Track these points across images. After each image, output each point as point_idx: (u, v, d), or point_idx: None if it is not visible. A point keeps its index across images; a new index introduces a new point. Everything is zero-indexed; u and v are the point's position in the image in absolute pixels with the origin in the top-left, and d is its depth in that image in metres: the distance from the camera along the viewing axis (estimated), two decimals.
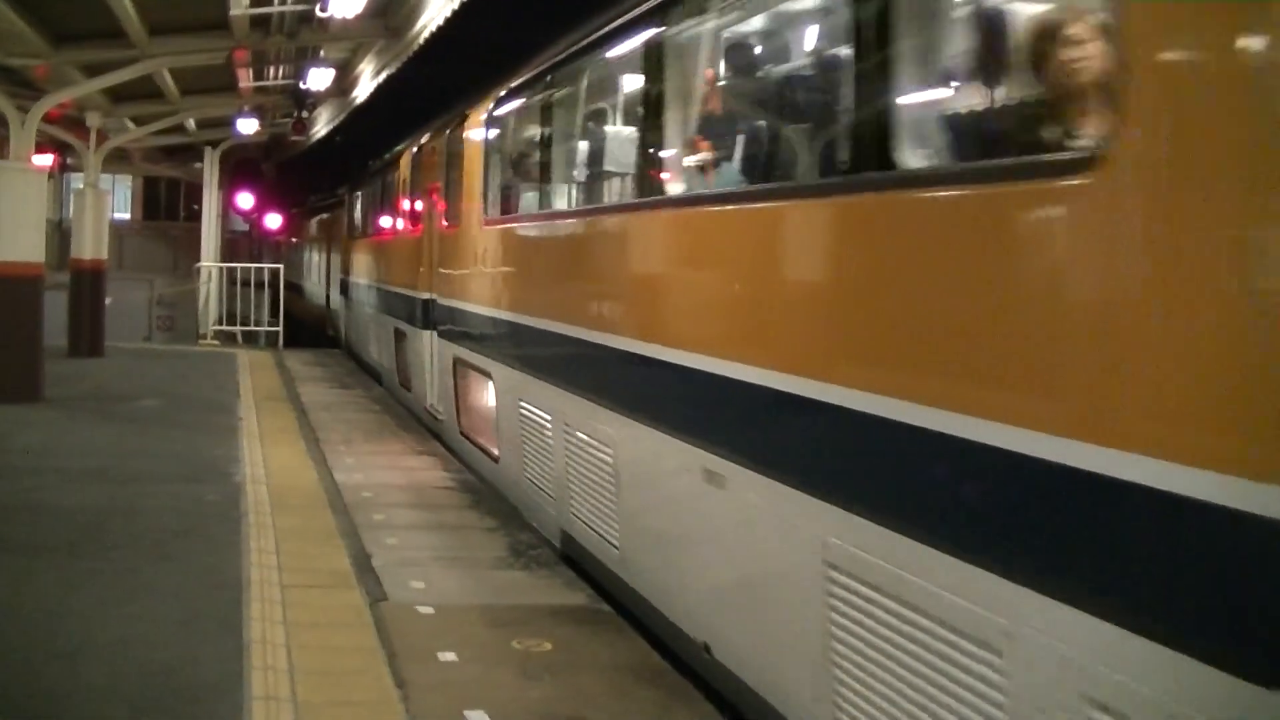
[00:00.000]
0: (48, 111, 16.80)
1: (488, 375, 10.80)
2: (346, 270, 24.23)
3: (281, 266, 29.52)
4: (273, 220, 43.78)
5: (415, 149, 15.96)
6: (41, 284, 15.06)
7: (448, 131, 13.27)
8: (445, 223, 13.00)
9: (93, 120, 21.00)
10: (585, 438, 7.78)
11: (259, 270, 28.87)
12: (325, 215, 31.58)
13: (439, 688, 5.85)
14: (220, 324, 27.01)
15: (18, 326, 14.49)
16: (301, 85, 20.35)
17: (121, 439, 12.40)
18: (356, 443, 13.16)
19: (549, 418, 8.68)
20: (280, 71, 21.96)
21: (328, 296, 29.06)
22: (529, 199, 10.38)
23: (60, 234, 29.71)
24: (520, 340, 9.55)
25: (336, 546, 8.44)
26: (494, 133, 11.34)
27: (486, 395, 11.07)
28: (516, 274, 10.10)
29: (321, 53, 19.27)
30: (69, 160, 30.30)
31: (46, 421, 13.42)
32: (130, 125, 23.72)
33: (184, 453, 11.67)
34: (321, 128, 29.32)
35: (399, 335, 16.66)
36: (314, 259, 33.67)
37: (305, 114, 23.58)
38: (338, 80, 21.53)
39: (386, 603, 7.18)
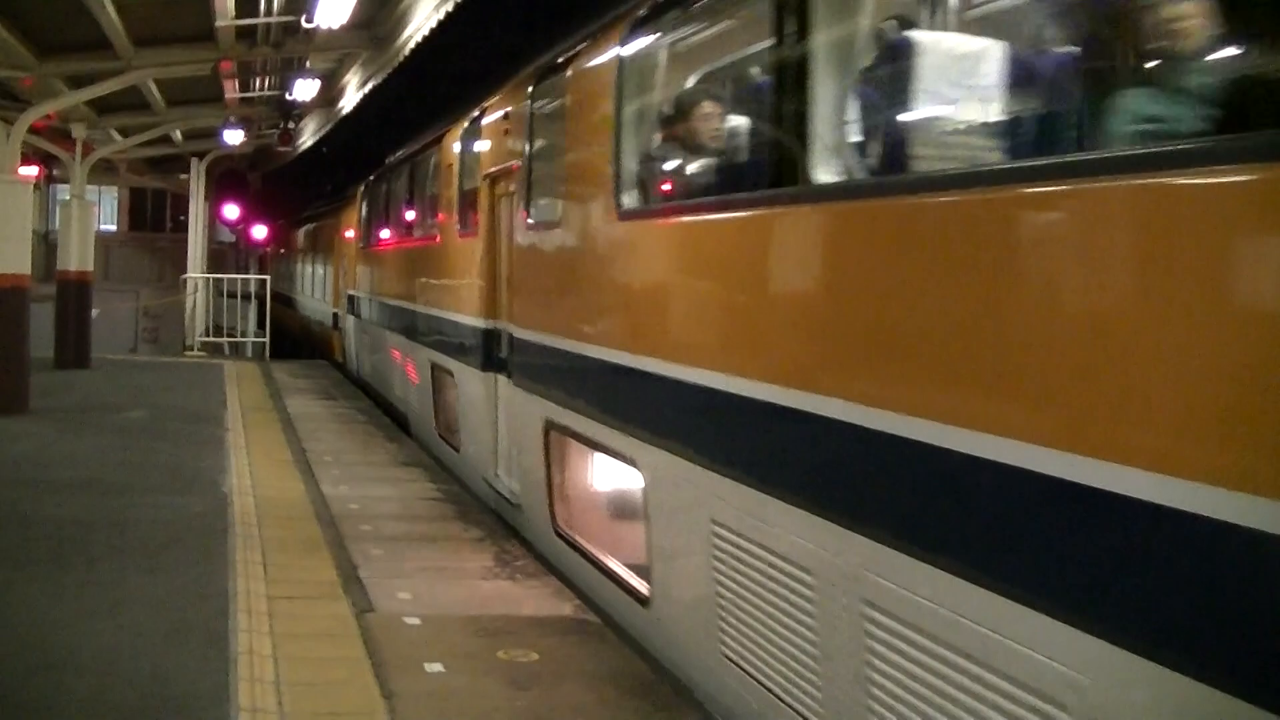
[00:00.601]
0: (33, 123, 16.80)
1: (627, 461, 6.88)
2: (356, 285, 20.69)
3: (268, 278, 29.46)
4: (259, 231, 43.78)
5: (469, 123, 11.77)
6: (28, 295, 15.04)
7: (531, 89, 9.24)
8: (530, 220, 9.06)
9: (78, 132, 20.97)
10: (942, 650, 3.91)
11: (245, 282, 28.88)
12: (326, 221, 27.61)
13: (426, 698, 5.86)
14: (207, 335, 26.97)
15: (4, 338, 14.49)
16: (288, 96, 20.36)
17: (108, 450, 12.38)
18: (343, 454, 13.15)
19: (809, 577, 4.78)
20: (266, 82, 21.97)
21: (335, 316, 24.40)
22: (736, 171, 6.21)
23: (46, 245, 29.73)
24: (718, 419, 5.62)
25: (323, 558, 8.45)
26: (634, 77, 7.23)
27: (620, 491, 7.75)
28: (708, 303, 5.94)
29: (307, 63, 19.29)
30: (55, 172, 30.34)
31: (33, 433, 13.39)
32: (116, 136, 23.71)
33: (171, 464, 11.66)
34: (308, 138, 29.32)
35: (439, 373, 12.82)
36: (313, 271, 29.56)
37: (292, 125, 23.59)
38: (324, 91, 21.54)
39: (373, 614, 7.19)
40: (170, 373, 21.28)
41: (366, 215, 19.99)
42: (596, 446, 7.59)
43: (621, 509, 7.75)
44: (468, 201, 11.68)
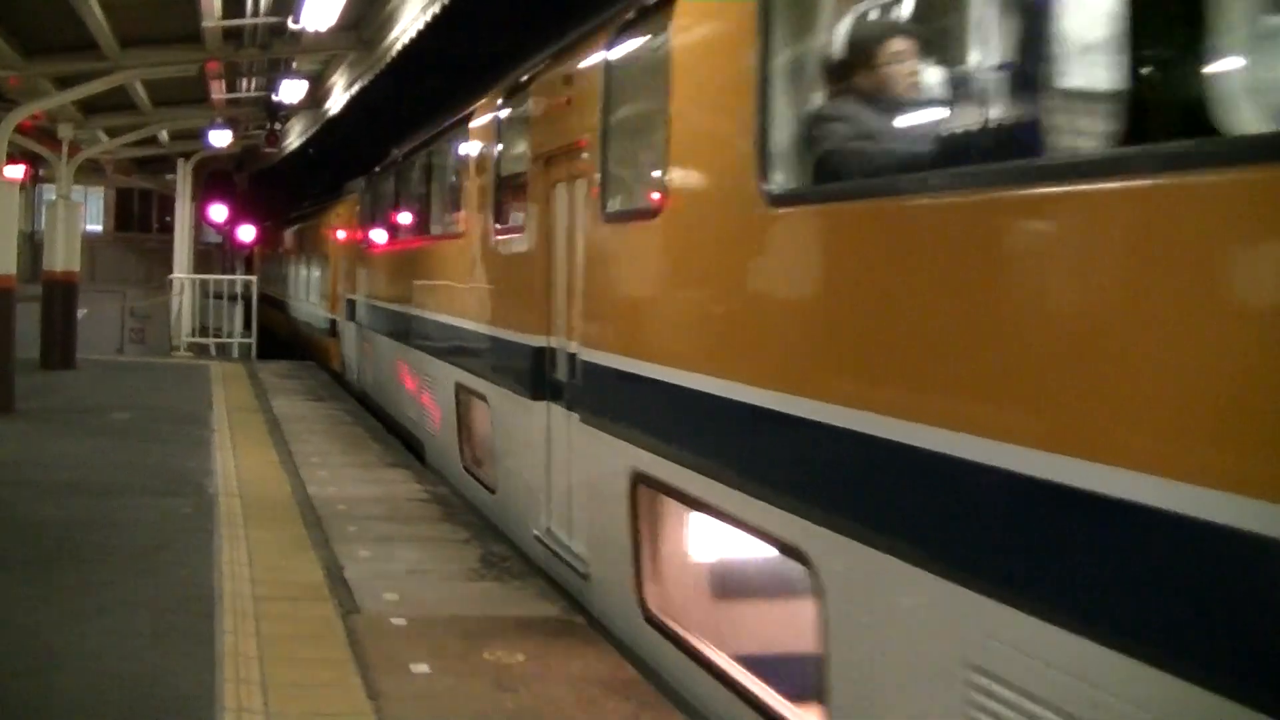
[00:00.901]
0: (19, 123, 16.78)
1: (783, 548, 4.90)
2: (358, 289, 18.90)
3: (255, 279, 29.40)
4: (246, 232, 43.71)
5: (509, 95, 9.83)
6: (13, 296, 15.03)
7: (609, 44, 7.24)
8: (608, 210, 7.16)
9: (65, 132, 20.94)
10: None
11: (232, 283, 28.86)
12: (321, 220, 26.16)
13: (412, 699, 5.88)
14: (193, 336, 26.94)
15: None
16: (274, 97, 20.36)
17: (95, 451, 12.36)
18: (329, 454, 13.14)
19: None
20: (252, 84, 21.98)
21: (332, 323, 22.65)
22: (1008, 132, 4.06)
23: (32, 246, 29.65)
24: (997, 515, 3.59)
25: (309, 559, 8.46)
26: (790, 8, 5.27)
27: (760, 576, 5.97)
28: (970, 327, 3.76)
29: (294, 65, 19.30)
30: (41, 172, 30.21)
31: (19, 434, 13.37)
32: (103, 137, 23.70)
33: (157, 465, 11.66)
34: (295, 139, 29.31)
35: (466, 396, 10.96)
36: (307, 274, 28.11)
37: (278, 126, 23.57)
38: (311, 92, 21.54)
39: (359, 615, 7.20)
40: (156, 374, 21.26)
41: (371, 212, 18.23)
42: (722, 516, 5.55)
43: (761, 600, 6.01)
44: (508, 190, 9.81)
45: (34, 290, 20.22)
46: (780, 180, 5.03)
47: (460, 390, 11.10)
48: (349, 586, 7.80)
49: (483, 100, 10.75)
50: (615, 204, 7.17)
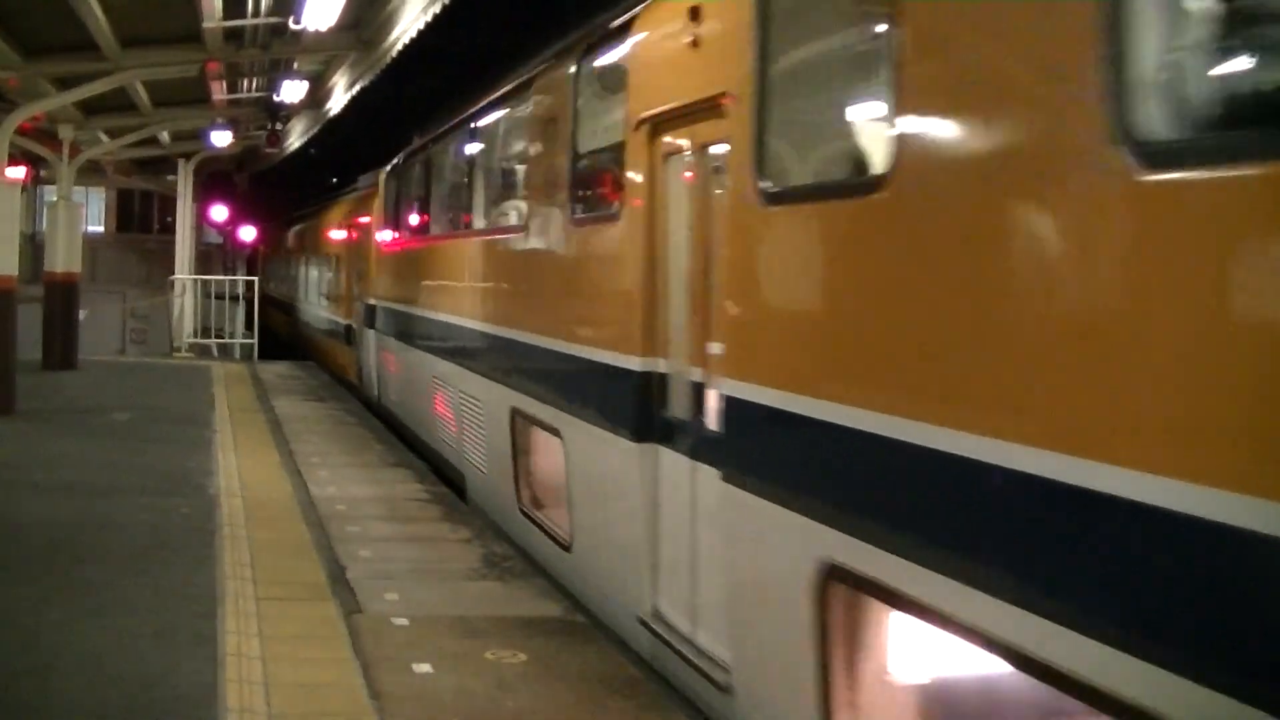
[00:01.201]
0: (20, 124, 16.78)
1: None
2: (379, 293, 17.19)
3: (256, 279, 29.42)
4: (247, 232, 43.71)
5: (590, 49, 7.97)
6: (14, 297, 15.03)
7: None
8: (765, 186, 5.17)
9: (65, 133, 20.94)
10: None
11: (234, 283, 28.87)
12: (331, 219, 24.72)
13: (414, 699, 5.87)
14: (195, 337, 26.96)
15: None
16: (275, 97, 20.36)
17: (95, 452, 12.35)
18: (330, 455, 13.14)
19: None
20: (253, 84, 21.97)
21: (348, 330, 20.83)
22: None
23: (33, 247, 29.65)
24: None
25: (311, 559, 8.45)
26: None
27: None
28: None
29: (295, 65, 19.30)
30: (42, 173, 30.24)
31: (19, 435, 13.37)
32: (103, 138, 23.71)
33: (158, 465, 11.65)
34: (296, 140, 29.32)
35: (525, 425, 9.09)
36: (319, 275, 26.47)
37: (279, 126, 23.57)
38: (311, 92, 21.54)
39: (361, 614, 7.20)
40: (158, 374, 21.26)
41: (394, 207, 16.24)
42: (1013, 658, 3.56)
43: None
44: (592, 168, 7.90)
45: (35, 291, 20.23)
46: (1158, 128, 3.04)
47: (518, 417, 9.18)
48: (351, 586, 7.80)
49: (551, 60, 8.85)
50: (783, 178, 5.35)
